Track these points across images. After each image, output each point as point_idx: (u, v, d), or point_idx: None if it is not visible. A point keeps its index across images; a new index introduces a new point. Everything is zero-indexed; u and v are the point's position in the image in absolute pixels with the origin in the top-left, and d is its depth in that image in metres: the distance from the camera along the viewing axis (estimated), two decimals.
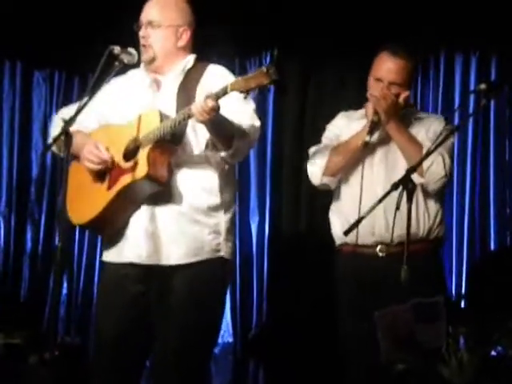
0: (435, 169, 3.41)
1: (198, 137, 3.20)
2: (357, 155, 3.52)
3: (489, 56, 5.45)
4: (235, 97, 2.98)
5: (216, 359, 5.68)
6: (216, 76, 3.29)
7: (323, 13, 5.42)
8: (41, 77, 6.23)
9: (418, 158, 3.26)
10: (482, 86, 3.08)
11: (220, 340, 5.96)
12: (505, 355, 2.98)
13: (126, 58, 3.10)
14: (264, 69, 2.88)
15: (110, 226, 3.26)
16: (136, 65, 3.27)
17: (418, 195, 3.46)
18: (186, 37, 3.34)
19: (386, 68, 3.49)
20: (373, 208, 2.98)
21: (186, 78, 3.30)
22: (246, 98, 2.97)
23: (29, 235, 6.08)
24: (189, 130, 3.19)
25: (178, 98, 3.25)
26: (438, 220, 3.55)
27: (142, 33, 3.28)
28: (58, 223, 5.48)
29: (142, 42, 3.29)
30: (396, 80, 3.48)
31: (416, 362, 2.80)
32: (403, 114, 3.58)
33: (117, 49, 3.08)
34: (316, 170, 3.62)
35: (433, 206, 3.54)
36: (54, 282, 4.44)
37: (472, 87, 5.47)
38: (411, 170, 2.95)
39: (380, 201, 2.95)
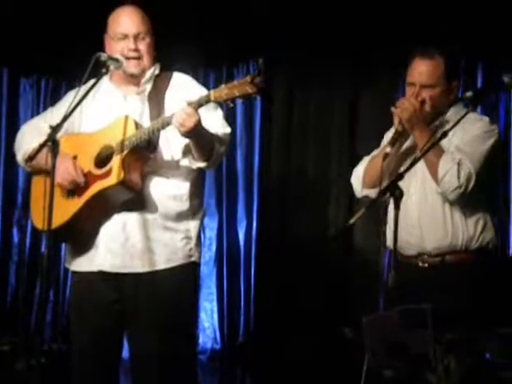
0: (448, 179, 3.25)
1: (170, 145, 3.20)
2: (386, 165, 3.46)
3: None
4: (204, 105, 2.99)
5: (203, 366, 5.67)
6: (182, 84, 3.29)
7: (313, 24, 5.44)
8: (27, 84, 6.22)
9: (435, 165, 3.22)
10: (469, 94, 3.09)
11: (207, 347, 5.96)
12: (492, 362, 2.98)
13: (112, 65, 3.10)
14: (248, 78, 2.88)
15: (79, 234, 3.23)
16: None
17: (453, 204, 3.33)
18: (155, 45, 3.33)
19: (418, 72, 3.42)
20: (360, 215, 2.96)
21: (154, 87, 3.29)
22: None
23: (15, 242, 6.07)
24: (161, 139, 3.17)
25: (149, 105, 3.24)
26: (479, 227, 3.36)
27: (132, 45, 3.21)
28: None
29: (132, 54, 3.22)
30: (427, 82, 3.40)
31: (403, 368, 2.80)
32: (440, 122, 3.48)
33: (103, 55, 3.07)
34: (356, 183, 3.59)
35: (472, 212, 3.37)
36: (40, 288, 4.43)
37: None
38: (398, 176, 2.93)
39: (367, 208, 2.92)
